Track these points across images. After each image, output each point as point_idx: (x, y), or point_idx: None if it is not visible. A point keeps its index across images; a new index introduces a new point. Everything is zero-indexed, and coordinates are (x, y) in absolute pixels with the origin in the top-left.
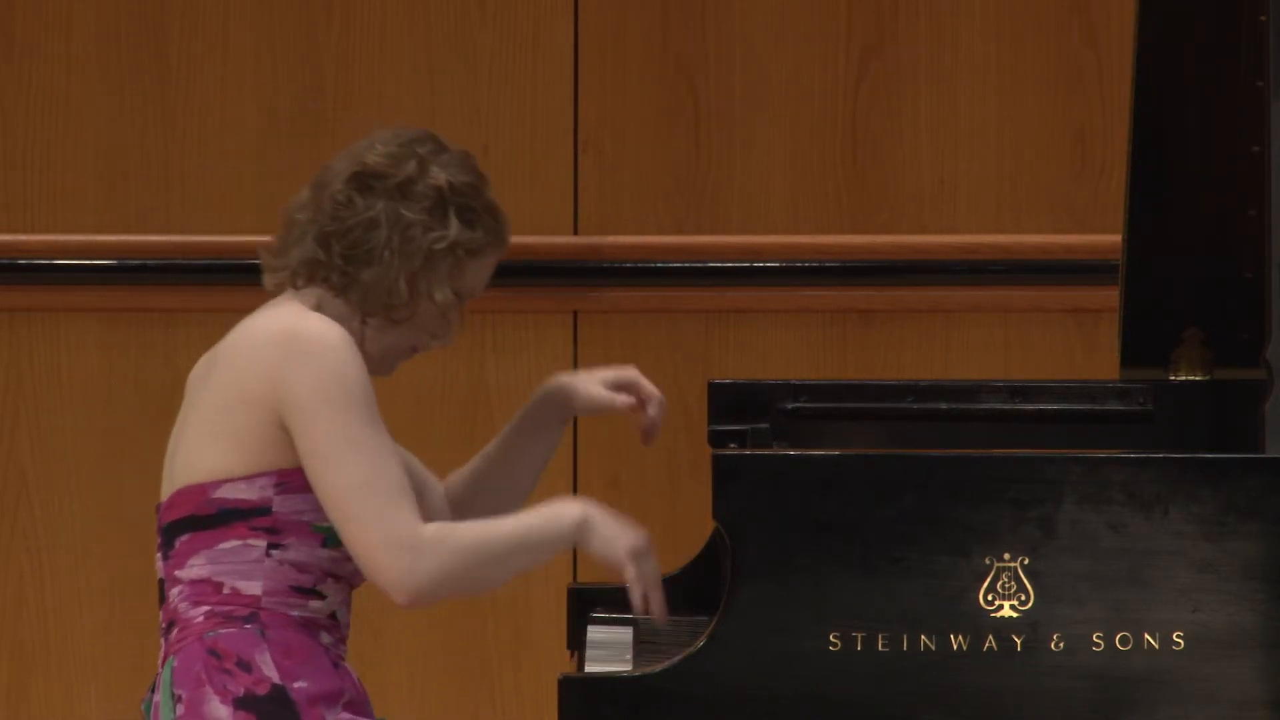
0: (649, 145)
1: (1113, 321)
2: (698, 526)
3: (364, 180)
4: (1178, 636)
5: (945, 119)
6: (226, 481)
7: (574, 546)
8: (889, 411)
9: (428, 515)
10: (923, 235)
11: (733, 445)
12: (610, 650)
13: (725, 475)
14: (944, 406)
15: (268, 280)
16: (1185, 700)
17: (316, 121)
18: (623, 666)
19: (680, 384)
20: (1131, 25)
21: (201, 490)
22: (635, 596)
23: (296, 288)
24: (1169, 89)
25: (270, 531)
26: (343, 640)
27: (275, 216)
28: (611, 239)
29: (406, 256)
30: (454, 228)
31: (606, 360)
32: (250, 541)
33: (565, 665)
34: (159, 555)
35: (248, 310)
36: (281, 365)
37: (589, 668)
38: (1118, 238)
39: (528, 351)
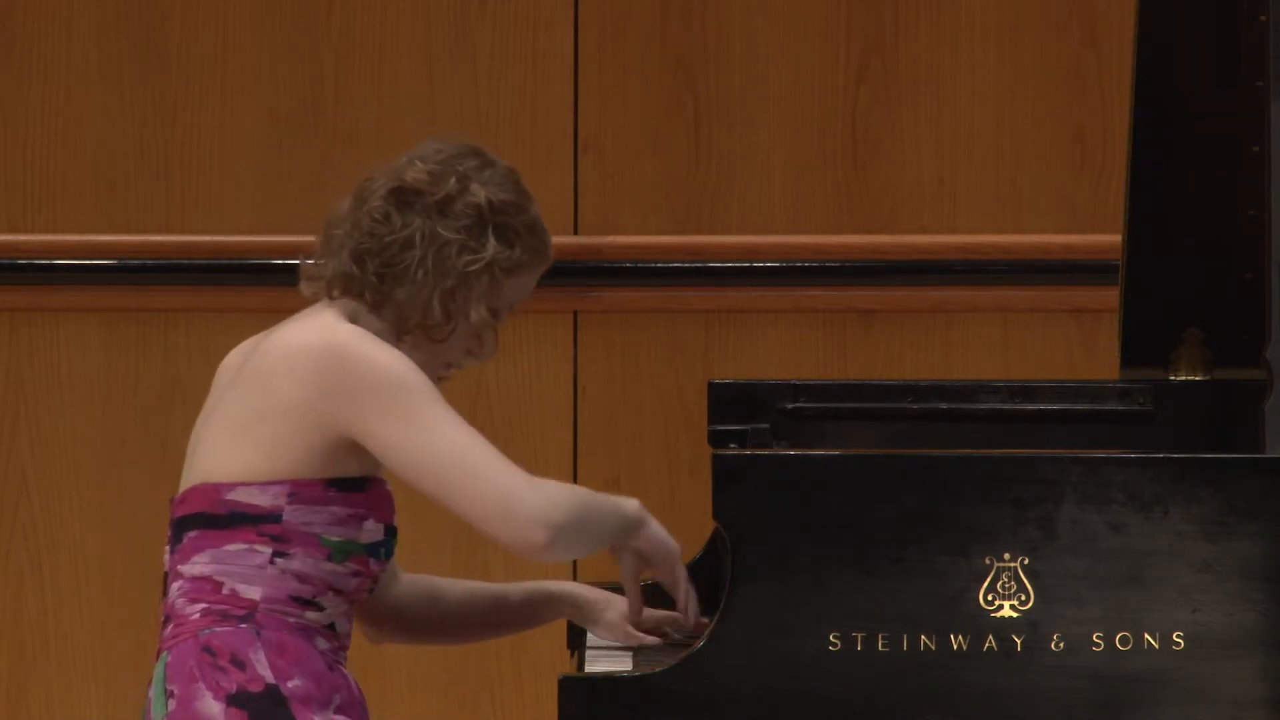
0: (649, 145)
1: (1113, 321)
2: (698, 526)
3: (402, 196)
4: (1178, 636)
5: (945, 119)
6: (242, 485)
7: (626, 533)
8: (889, 411)
9: (386, 595)
10: (923, 235)
11: (733, 445)
12: (610, 650)
13: (725, 475)
14: (944, 406)
15: (305, 288)
16: (1185, 700)
17: (316, 121)
18: (623, 666)
19: (680, 384)
20: (1131, 25)
21: (216, 490)
22: (681, 594)
23: (332, 298)
24: (1169, 89)
25: (277, 540)
26: (342, 648)
27: (275, 216)
28: (611, 239)
29: (440, 275)
30: (490, 247)
31: (607, 360)
32: (256, 547)
33: (565, 665)
34: (167, 548)
35: (248, 310)
36: (333, 378)
37: (589, 668)
38: (1118, 238)
39: (528, 351)
